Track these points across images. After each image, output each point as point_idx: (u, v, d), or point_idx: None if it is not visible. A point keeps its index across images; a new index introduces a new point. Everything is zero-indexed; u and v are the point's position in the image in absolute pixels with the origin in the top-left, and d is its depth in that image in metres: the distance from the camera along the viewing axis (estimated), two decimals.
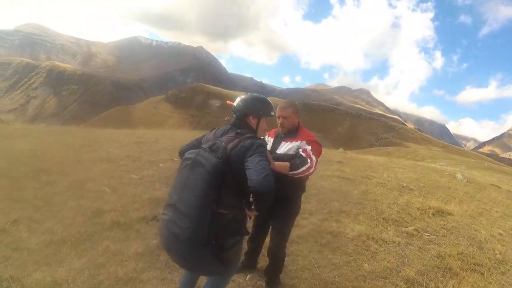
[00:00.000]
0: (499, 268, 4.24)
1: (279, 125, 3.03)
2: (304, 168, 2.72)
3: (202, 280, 2.68)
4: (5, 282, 2.87)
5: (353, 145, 74.17)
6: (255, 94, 2.50)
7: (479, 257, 4.44)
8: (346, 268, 3.76)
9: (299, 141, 2.90)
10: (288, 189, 2.92)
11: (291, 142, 2.93)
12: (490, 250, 4.80)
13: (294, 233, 4.36)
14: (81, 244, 3.71)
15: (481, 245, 4.96)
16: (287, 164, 2.71)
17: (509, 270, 4.24)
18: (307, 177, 2.87)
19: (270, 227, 3.24)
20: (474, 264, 4.20)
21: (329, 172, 8.57)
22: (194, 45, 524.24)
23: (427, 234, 5.10)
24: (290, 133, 3.02)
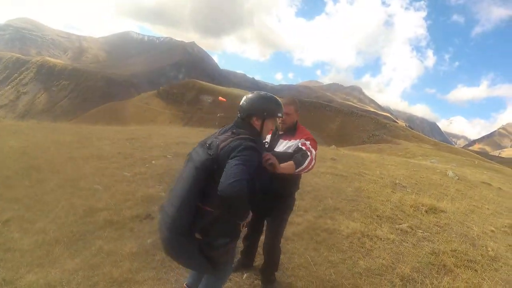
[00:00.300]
0: (492, 265, 4.29)
1: (279, 121, 2.95)
2: (307, 162, 2.71)
3: None
4: None
5: (345, 142, 74.57)
6: (263, 93, 2.35)
7: (472, 254, 4.48)
8: (342, 266, 3.76)
9: (298, 140, 2.89)
10: (282, 186, 2.90)
11: (290, 140, 2.92)
12: (482, 247, 4.84)
13: (290, 230, 4.36)
14: (74, 244, 3.64)
15: (473, 242, 5.01)
16: (291, 163, 2.68)
17: (502, 266, 4.29)
18: (301, 173, 2.85)
19: (265, 225, 3.23)
20: (467, 261, 4.23)
21: (322, 169, 8.56)
22: (187, 41, 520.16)
23: (421, 231, 5.13)
24: (289, 131, 2.99)
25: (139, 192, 5.31)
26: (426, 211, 6.11)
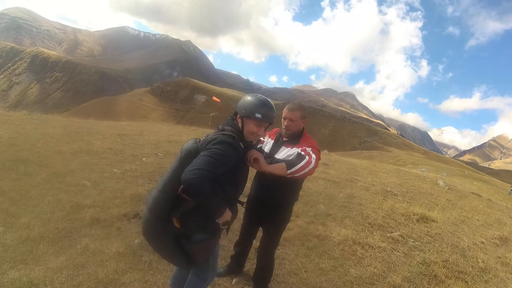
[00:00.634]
0: (483, 277, 4.28)
1: (283, 127, 2.79)
2: (302, 163, 2.50)
3: None
4: None
5: (337, 147, 74.90)
6: (253, 94, 2.29)
7: (463, 265, 4.48)
8: (333, 273, 3.70)
9: (300, 148, 2.68)
10: (279, 195, 2.79)
11: (292, 148, 2.70)
12: (473, 258, 4.84)
13: None
14: (59, 241, 3.53)
15: (464, 252, 5.01)
16: (282, 164, 2.51)
17: (492, 278, 4.29)
18: (303, 178, 2.64)
19: (260, 233, 3.13)
20: (458, 271, 4.23)
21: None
22: (183, 39, 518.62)
23: (412, 240, 5.11)
24: (293, 138, 2.80)
25: (128, 190, 5.19)
26: (417, 220, 6.12)
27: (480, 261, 4.73)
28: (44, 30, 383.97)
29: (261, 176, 2.85)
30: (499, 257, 5.18)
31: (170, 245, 2.09)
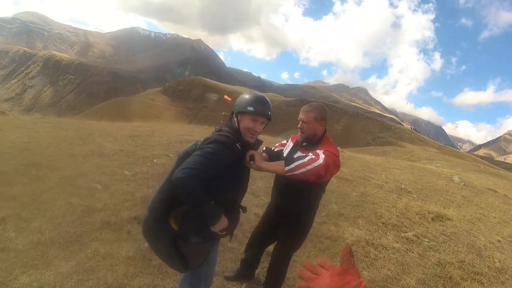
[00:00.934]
0: (499, 277, 4.16)
1: (299, 129, 2.60)
2: (304, 160, 2.22)
3: None
4: None
5: (350, 143, 74.20)
6: (249, 91, 2.23)
7: (479, 265, 4.36)
8: None
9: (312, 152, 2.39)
10: (290, 201, 2.64)
11: (307, 153, 2.38)
12: (489, 258, 4.71)
13: None
14: (70, 245, 3.53)
15: (480, 252, 4.88)
16: (281, 161, 2.30)
17: (508, 279, 4.16)
18: (308, 178, 2.22)
19: (275, 241, 2.98)
20: (474, 273, 4.12)
21: None
22: (193, 38, 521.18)
23: (427, 240, 4.99)
24: (311, 144, 2.55)
25: (138, 192, 5.20)
26: (432, 219, 5.99)
27: (497, 261, 4.60)
28: (55, 33, 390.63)
29: (277, 180, 2.75)
30: None
31: (167, 245, 2.07)
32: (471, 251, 4.80)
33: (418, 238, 4.99)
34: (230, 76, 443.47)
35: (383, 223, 5.38)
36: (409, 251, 4.49)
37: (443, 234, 5.36)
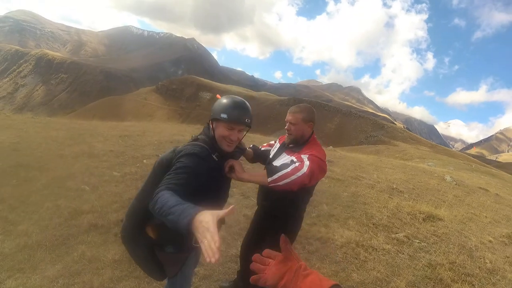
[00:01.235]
0: (490, 279, 4.15)
1: (286, 131, 2.52)
2: (287, 170, 2.11)
3: None
4: None
5: (343, 142, 74.48)
6: (229, 95, 2.03)
7: (470, 266, 4.35)
8: (335, 279, 3.59)
9: (296, 155, 2.33)
10: (272, 204, 2.57)
11: (292, 155, 2.35)
12: (480, 258, 4.70)
13: None
14: (56, 248, 3.49)
15: (471, 253, 4.87)
16: (263, 171, 2.20)
17: (499, 280, 4.15)
18: (291, 188, 2.12)
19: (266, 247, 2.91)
20: (464, 274, 4.10)
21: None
22: (187, 37, 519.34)
23: (418, 241, 4.99)
24: (297, 145, 2.47)
25: (127, 194, 5.15)
26: (423, 219, 5.99)
27: (488, 262, 4.59)
28: (48, 32, 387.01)
29: (261, 185, 2.62)
30: (507, 257, 5.02)
31: (145, 253, 2.02)
32: (462, 252, 4.79)
33: (409, 239, 4.98)
34: (224, 75, 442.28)
35: (373, 224, 5.36)
36: (400, 253, 4.47)
37: (434, 235, 5.36)
